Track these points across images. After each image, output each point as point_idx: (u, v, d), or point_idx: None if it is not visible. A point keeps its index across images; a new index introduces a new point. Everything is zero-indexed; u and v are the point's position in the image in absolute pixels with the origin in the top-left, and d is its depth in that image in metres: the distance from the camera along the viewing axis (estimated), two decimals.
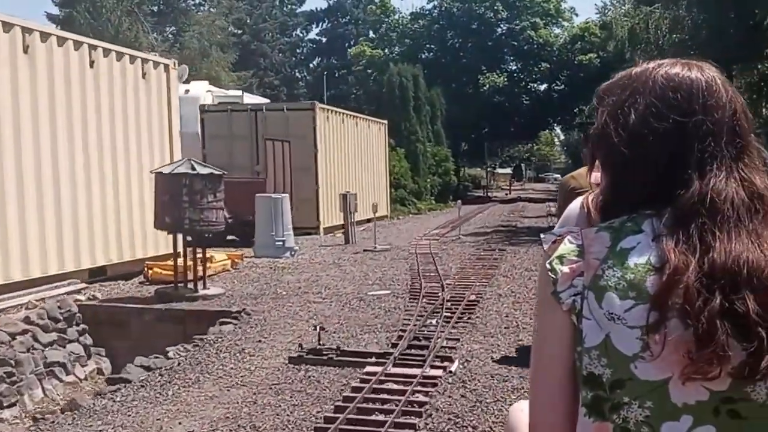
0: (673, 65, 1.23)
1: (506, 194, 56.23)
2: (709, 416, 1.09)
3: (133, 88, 12.67)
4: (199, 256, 10.57)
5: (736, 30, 19.10)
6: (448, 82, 47.82)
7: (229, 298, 10.04)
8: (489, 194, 53.11)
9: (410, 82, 39.43)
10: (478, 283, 10.71)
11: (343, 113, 24.68)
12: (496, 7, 51.07)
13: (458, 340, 7.31)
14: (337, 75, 58.75)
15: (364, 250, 15.52)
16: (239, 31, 59.30)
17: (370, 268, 12.85)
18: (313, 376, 6.24)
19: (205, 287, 10.44)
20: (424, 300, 9.38)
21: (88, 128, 11.38)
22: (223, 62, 50.47)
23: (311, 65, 64.47)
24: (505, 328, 7.83)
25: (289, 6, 63.63)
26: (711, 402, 1.08)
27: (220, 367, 6.69)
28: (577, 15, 55.98)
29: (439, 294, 9.70)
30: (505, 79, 48.67)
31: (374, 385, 5.84)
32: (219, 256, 13.25)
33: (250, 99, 25.25)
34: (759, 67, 20.57)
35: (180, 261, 10.45)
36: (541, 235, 1.23)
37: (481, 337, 7.44)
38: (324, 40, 63.86)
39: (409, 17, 54.50)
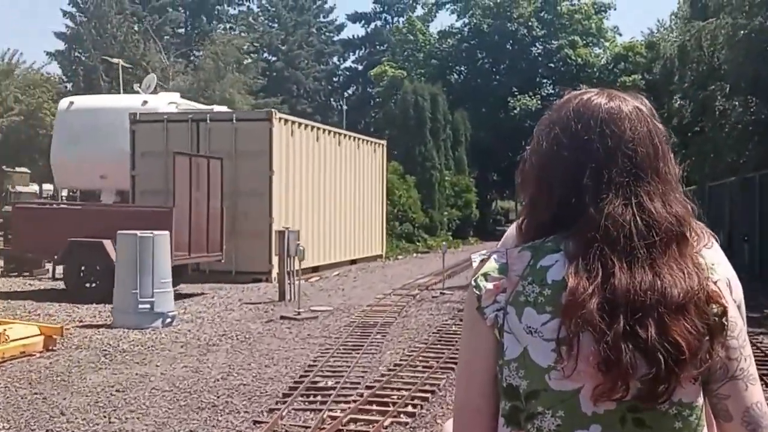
0: (595, 95, 1.26)
1: None
2: (617, 425, 1.13)
3: None
4: None
5: None
6: (478, 106, 43.33)
7: None
8: None
9: (427, 101, 34.54)
10: (395, 422, 5.53)
11: (319, 128, 19.78)
12: (530, 24, 46.43)
13: None
14: (372, 103, 54.60)
15: (282, 318, 10.46)
16: (273, 58, 56.61)
17: (249, 360, 7.79)
18: None
19: None
20: None
21: None
22: (238, 84, 46.48)
23: (346, 93, 60.78)
24: None
25: (327, 34, 60.65)
26: (618, 411, 1.13)
27: None
28: (620, 35, 50.37)
29: None
30: (539, 102, 43.52)
31: None
32: (21, 331, 8.34)
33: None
34: None
35: None
36: (471, 255, 1.28)
37: None
38: (360, 67, 60.30)
39: (436, 36, 50.05)
